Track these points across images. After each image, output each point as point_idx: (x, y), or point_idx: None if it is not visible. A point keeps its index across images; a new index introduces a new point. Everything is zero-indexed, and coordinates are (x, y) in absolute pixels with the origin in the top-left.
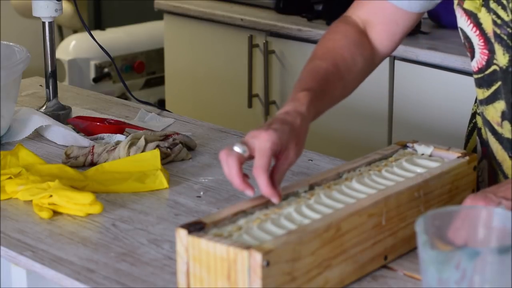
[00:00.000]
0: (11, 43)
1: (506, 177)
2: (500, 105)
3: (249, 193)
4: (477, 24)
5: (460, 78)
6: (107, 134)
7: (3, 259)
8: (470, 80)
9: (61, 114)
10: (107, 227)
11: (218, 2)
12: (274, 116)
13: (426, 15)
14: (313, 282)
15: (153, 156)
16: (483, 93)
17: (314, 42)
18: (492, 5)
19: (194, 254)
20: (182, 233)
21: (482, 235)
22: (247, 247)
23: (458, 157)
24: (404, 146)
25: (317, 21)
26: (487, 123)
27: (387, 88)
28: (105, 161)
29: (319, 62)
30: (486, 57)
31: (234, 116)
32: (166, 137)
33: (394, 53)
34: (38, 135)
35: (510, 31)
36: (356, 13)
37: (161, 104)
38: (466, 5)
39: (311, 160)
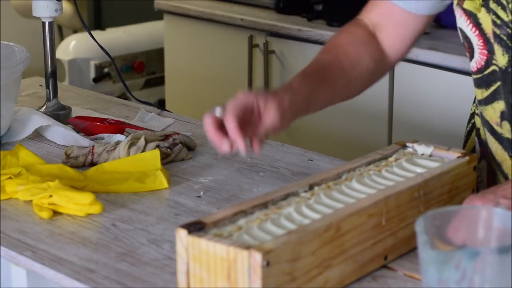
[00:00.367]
0: (11, 43)
1: (505, 177)
2: (499, 105)
3: (225, 146)
4: (477, 24)
5: (460, 78)
6: (107, 134)
7: (3, 259)
8: (470, 80)
9: (61, 114)
10: (107, 227)
11: (218, 2)
12: None
13: None
14: (313, 282)
15: (153, 156)
16: (482, 93)
17: (314, 42)
18: (492, 5)
19: (194, 254)
20: (182, 233)
21: (482, 235)
22: (247, 247)
23: (458, 157)
24: (404, 146)
25: (317, 21)
26: (486, 123)
27: (387, 88)
28: (105, 161)
29: (321, 55)
30: (485, 58)
31: None
32: (166, 137)
33: None
34: (38, 135)
35: (510, 31)
36: (367, 15)
37: (161, 104)
38: (466, 5)
39: (311, 160)
